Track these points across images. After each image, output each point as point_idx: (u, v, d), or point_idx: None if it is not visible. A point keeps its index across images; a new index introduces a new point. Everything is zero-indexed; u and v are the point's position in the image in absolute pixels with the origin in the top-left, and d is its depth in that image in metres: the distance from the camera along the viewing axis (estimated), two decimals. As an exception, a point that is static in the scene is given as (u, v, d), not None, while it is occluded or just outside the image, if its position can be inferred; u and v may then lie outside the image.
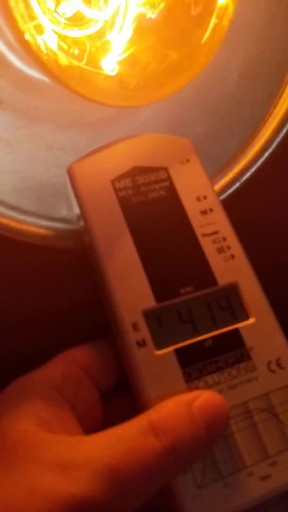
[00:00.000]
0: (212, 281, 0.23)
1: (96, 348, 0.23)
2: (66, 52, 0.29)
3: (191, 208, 0.25)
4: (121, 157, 0.25)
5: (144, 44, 0.30)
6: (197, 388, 0.21)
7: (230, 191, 0.29)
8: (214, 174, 0.29)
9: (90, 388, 0.22)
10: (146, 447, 0.18)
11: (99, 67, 0.30)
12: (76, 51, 0.29)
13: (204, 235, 0.24)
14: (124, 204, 0.24)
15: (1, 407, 0.20)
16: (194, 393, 0.20)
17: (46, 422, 0.20)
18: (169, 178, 0.25)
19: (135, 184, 0.25)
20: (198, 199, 0.25)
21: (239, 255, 0.24)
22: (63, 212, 0.27)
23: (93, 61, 0.29)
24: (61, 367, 0.22)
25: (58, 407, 0.20)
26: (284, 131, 0.29)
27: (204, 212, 0.25)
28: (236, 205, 0.27)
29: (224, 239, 0.24)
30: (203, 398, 0.20)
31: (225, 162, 0.30)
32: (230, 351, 0.22)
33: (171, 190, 0.25)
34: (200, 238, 0.24)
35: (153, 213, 0.24)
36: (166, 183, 0.25)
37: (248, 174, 0.29)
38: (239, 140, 0.30)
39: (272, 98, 0.30)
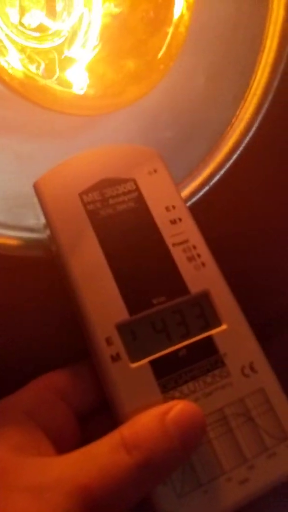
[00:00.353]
0: (184, 289, 0.23)
1: (72, 370, 0.23)
2: (25, 64, 0.29)
3: (161, 218, 0.25)
4: (88, 169, 0.25)
5: (99, 54, 0.30)
6: (173, 398, 0.21)
7: (199, 195, 0.29)
8: (183, 178, 0.29)
9: (65, 412, 0.22)
10: (118, 464, 0.18)
11: (65, 81, 0.30)
12: (38, 64, 0.29)
13: (174, 244, 0.24)
14: (93, 217, 0.24)
15: None
16: (168, 404, 0.20)
17: (17, 447, 0.19)
18: (137, 189, 0.25)
19: (104, 197, 0.25)
20: (167, 209, 0.25)
21: (210, 263, 0.24)
22: (32, 222, 0.27)
23: (51, 72, 0.29)
24: (35, 392, 0.22)
25: (30, 431, 0.20)
26: (250, 134, 0.30)
27: (173, 222, 0.25)
28: (205, 209, 0.27)
29: (194, 247, 0.24)
30: (178, 409, 0.20)
31: (194, 166, 0.30)
32: (204, 359, 0.22)
33: (140, 201, 0.25)
34: (170, 247, 0.24)
35: (123, 225, 0.24)
36: (135, 194, 0.25)
37: (217, 177, 0.29)
38: (208, 144, 0.30)
39: (238, 101, 0.31)
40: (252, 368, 0.22)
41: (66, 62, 0.30)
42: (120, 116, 0.31)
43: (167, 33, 0.31)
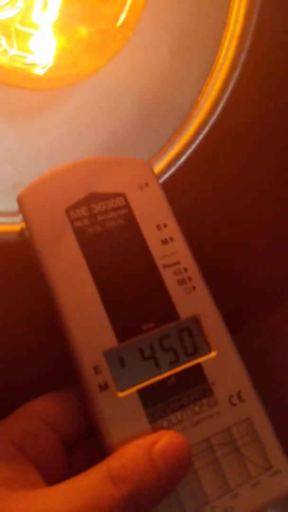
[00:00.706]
0: (174, 314, 0.23)
1: (58, 398, 0.23)
2: None
3: (151, 237, 0.24)
4: (75, 182, 0.24)
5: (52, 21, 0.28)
6: (161, 428, 0.21)
7: (165, 177, 0.28)
8: (148, 159, 0.28)
9: (52, 440, 0.22)
10: (104, 497, 0.18)
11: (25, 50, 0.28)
12: None
13: (165, 266, 0.24)
14: (80, 235, 0.23)
15: None
16: (155, 435, 0.20)
17: (5, 480, 0.19)
18: (127, 205, 0.24)
19: (91, 213, 0.24)
20: (158, 227, 0.24)
21: (200, 287, 0.24)
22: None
23: (10, 45, 0.27)
24: (21, 421, 0.21)
25: (18, 463, 0.20)
26: (217, 111, 0.28)
27: (164, 242, 0.24)
28: (171, 190, 0.26)
29: (185, 270, 0.24)
30: (165, 441, 0.20)
31: (160, 147, 0.29)
32: (193, 387, 0.22)
33: (130, 218, 0.24)
34: (161, 269, 0.23)
35: (112, 244, 0.23)
36: (125, 211, 0.24)
37: (183, 158, 0.28)
38: (173, 123, 0.29)
39: (204, 77, 0.29)
40: (239, 397, 0.22)
41: (24, 33, 0.28)
42: (82, 95, 0.30)
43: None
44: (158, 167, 0.28)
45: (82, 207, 0.23)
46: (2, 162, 0.27)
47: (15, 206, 0.24)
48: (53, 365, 0.24)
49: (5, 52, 0.28)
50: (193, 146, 0.28)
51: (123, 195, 0.24)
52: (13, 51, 0.28)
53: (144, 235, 0.24)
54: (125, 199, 0.24)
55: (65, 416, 0.22)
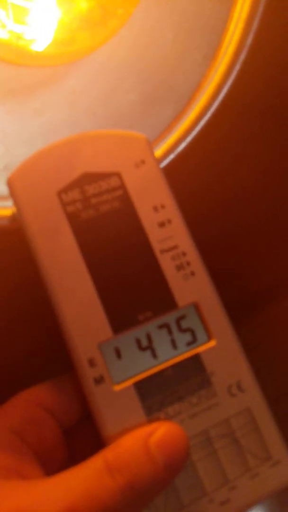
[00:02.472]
0: (172, 302, 0.22)
1: (58, 384, 0.22)
2: None
3: (148, 220, 0.22)
4: (67, 161, 0.22)
5: None
6: (157, 420, 0.21)
7: (165, 163, 0.27)
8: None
9: (53, 428, 0.21)
10: (102, 488, 0.18)
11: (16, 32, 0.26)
12: None
13: (162, 251, 0.22)
14: (73, 220, 0.22)
15: None
16: (152, 426, 0.20)
17: (4, 469, 0.19)
18: (122, 186, 0.23)
19: (85, 196, 0.22)
20: (156, 209, 0.23)
21: (200, 272, 0.22)
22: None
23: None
24: (21, 409, 0.21)
25: (18, 451, 0.20)
26: (220, 97, 0.27)
27: (162, 225, 0.23)
28: (171, 176, 0.25)
29: (184, 254, 0.22)
30: (162, 432, 0.19)
31: (160, 131, 0.28)
32: (191, 378, 0.21)
33: (126, 200, 0.22)
34: (158, 255, 0.22)
35: (106, 229, 0.22)
36: (120, 192, 0.22)
37: (183, 144, 0.27)
38: (174, 108, 0.28)
39: (208, 61, 0.28)
40: (239, 387, 0.22)
41: (22, 9, 0.26)
42: (79, 76, 0.28)
43: None
44: (156, 153, 0.27)
45: (75, 189, 0.22)
46: None
47: (5, 189, 0.22)
48: (46, 353, 0.24)
49: (2, 26, 0.26)
50: (194, 132, 0.27)
51: (118, 174, 0.23)
52: (10, 25, 0.26)
53: (141, 218, 0.22)
54: (120, 179, 0.23)
55: (65, 403, 0.22)
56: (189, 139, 0.27)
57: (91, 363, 0.21)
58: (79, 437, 0.22)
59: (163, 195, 0.23)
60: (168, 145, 0.27)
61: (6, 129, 0.26)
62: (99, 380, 0.20)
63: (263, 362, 0.23)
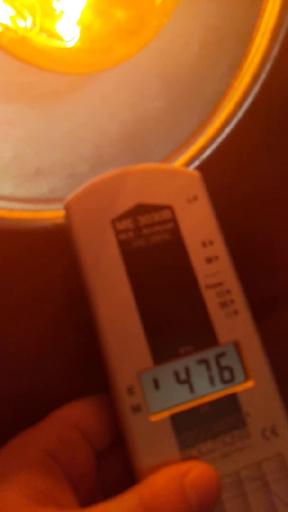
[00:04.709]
0: (213, 339, 0.22)
1: (93, 405, 0.22)
2: (13, 18, 0.26)
3: (196, 255, 0.23)
4: (122, 191, 0.23)
5: (87, 1, 0.27)
6: (190, 456, 0.21)
7: (190, 168, 0.27)
8: (173, 152, 0.28)
9: (87, 450, 0.21)
10: None
11: (53, 35, 0.27)
12: (24, 17, 0.26)
13: (208, 286, 0.23)
14: (125, 249, 0.22)
15: None
16: (186, 465, 0.20)
17: (39, 494, 0.19)
18: (174, 219, 0.23)
19: (137, 226, 0.23)
20: (204, 244, 0.23)
21: (243, 311, 0.23)
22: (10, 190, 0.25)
23: (37, 26, 0.26)
24: (57, 429, 0.21)
25: (53, 476, 0.20)
26: (245, 106, 0.28)
27: (209, 260, 0.23)
28: None
29: (229, 291, 0.23)
30: (196, 473, 0.19)
31: (185, 139, 0.28)
32: (226, 417, 0.21)
33: (176, 233, 0.23)
34: (203, 290, 0.23)
35: (155, 260, 0.22)
36: (171, 225, 0.23)
37: (208, 152, 0.28)
38: (199, 116, 0.29)
39: (233, 70, 0.28)
40: (273, 431, 0.22)
41: (53, 13, 0.27)
42: (108, 84, 0.29)
43: None
44: (181, 160, 0.27)
45: (128, 219, 0.23)
46: (23, 146, 0.27)
47: (35, 192, 0.23)
48: (85, 371, 0.24)
49: (35, 31, 0.27)
50: (219, 139, 0.28)
51: (170, 207, 0.23)
52: (38, 30, 0.27)
53: (189, 252, 0.23)
54: (172, 212, 0.23)
55: (101, 426, 0.22)
56: (214, 146, 0.28)
57: (130, 391, 0.21)
58: (109, 462, 0.23)
59: (213, 231, 0.23)
60: (193, 152, 0.27)
61: (36, 133, 0.27)
62: (136, 409, 0.21)
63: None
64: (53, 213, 0.25)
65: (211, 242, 0.23)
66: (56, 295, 0.27)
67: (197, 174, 0.24)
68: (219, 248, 0.23)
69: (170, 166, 0.24)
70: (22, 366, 0.26)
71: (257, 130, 0.29)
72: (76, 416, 0.22)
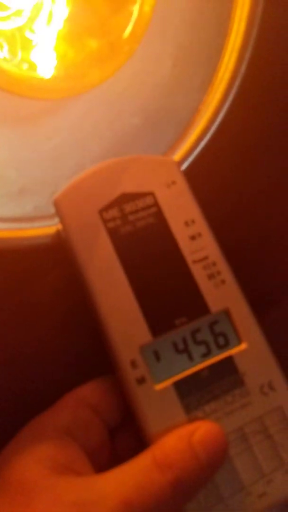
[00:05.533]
0: (205, 309, 0.24)
1: (103, 385, 0.24)
2: None
3: (180, 234, 0.25)
4: (106, 183, 0.25)
5: (60, 33, 0.29)
6: (196, 418, 0.22)
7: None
8: None
9: (100, 427, 0.23)
10: (153, 482, 0.20)
11: (28, 63, 0.29)
12: (1, 46, 0.28)
13: (194, 261, 0.24)
14: (114, 235, 0.24)
15: (16, 453, 0.21)
16: (193, 426, 0.21)
17: (60, 465, 0.21)
18: (156, 204, 0.25)
19: (123, 213, 0.24)
20: (187, 224, 0.25)
21: (229, 280, 0.24)
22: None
23: (14, 54, 0.28)
24: (71, 409, 0.23)
25: (70, 449, 0.21)
26: (218, 120, 0.29)
27: (193, 238, 0.25)
28: None
29: (214, 264, 0.24)
30: (203, 431, 0.21)
31: (161, 154, 0.30)
32: (225, 378, 0.23)
33: (159, 216, 0.25)
34: (190, 265, 0.24)
35: (143, 243, 0.24)
36: (154, 209, 0.25)
37: (185, 165, 0.29)
38: (175, 131, 0.30)
39: (205, 87, 0.30)
40: (270, 387, 0.23)
41: (29, 43, 0.28)
42: (86, 102, 0.30)
43: (131, 12, 0.30)
44: None
45: (114, 208, 0.24)
46: (7, 167, 0.28)
47: (20, 212, 0.25)
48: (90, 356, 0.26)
49: (12, 60, 0.29)
50: (195, 152, 0.29)
51: (152, 193, 0.25)
52: (17, 60, 0.29)
53: (173, 232, 0.25)
54: (154, 197, 0.25)
55: (110, 403, 0.23)
56: (190, 159, 0.29)
57: (133, 364, 0.22)
58: (121, 437, 0.24)
59: (193, 211, 0.25)
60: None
61: (18, 153, 0.29)
62: (141, 381, 0.22)
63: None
64: (38, 231, 0.26)
65: (193, 221, 0.25)
66: (47, 304, 0.28)
67: (173, 160, 0.26)
68: (201, 226, 0.25)
69: (149, 156, 0.26)
70: (21, 372, 0.28)
71: (230, 144, 0.30)
72: (87, 395, 0.23)
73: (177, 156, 0.29)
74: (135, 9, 0.29)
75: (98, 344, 0.23)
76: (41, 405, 0.23)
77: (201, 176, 0.29)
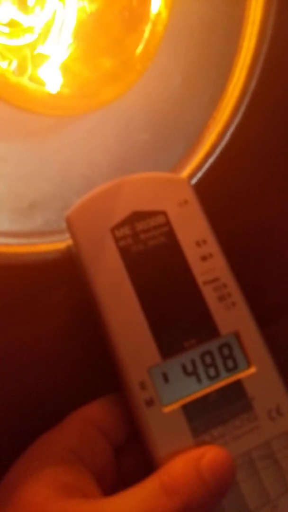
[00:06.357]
0: (214, 331, 0.24)
1: (109, 404, 0.24)
2: None
3: (191, 254, 0.24)
4: (118, 201, 0.25)
5: (75, 52, 0.29)
6: (203, 442, 0.22)
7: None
8: None
9: (105, 446, 0.23)
10: (161, 507, 0.19)
11: (38, 79, 0.29)
12: (10, 61, 0.28)
13: (205, 282, 0.24)
14: (125, 254, 0.24)
15: (22, 474, 0.21)
16: (201, 450, 0.21)
17: (66, 487, 0.20)
18: (168, 223, 0.25)
19: (134, 232, 0.24)
20: (198, 244, 0.25)
21: (239, 302, 0.24)
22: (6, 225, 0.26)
23: (23, 70, 0.28)
24: (77, 428, 0.22)
25: (77, 470, 0.21)
26: (227, 136, 0.29)
27: (204, 258, 0.25)
28: None
29: (225, 285, 0.24)
30: (210, 456, 0.21)
31: (170, 170, 0.30)
32: (233, 402, 0.23)
33: (171, 235, 0.25)
34: (201, 286, 0.24)
35: (154, 262, 0.24)
36: (166, 229, 0.25)
37: (193, 181, 0.29)
38: (183, 147, 0.30)
39: (214, 103, 0.30)
40: (278, 411, 0.23)
41: (39, 59, 0.29)
42: (95, 118, 0.30)
43: (144, 31, 0.30)
44: None
45: (126, 226, 0.24)
46: (16, 181, 0.28)
47: (30, 226, 0.24)
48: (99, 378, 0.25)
49: (23, 75, 0.29)
50: (204, 169, 0.29)
51: (163, 212, 0.25)
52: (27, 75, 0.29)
53: (185, 252, 0.24)
54: (166, 216, 0.25)
55: (116, 422, 0.23)
56: (199, 175, 0.29)
57: (142, 386, 0.22)
58: (126, 456, 0.24)
59: (205, 231, 0.25)
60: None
61: (28, 168, 0.28)
62: (149, 402, 0.22)
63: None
64: (49, 246, 0.26)
65: (204, 241, 0.25)
66: (57, 317, 0.28)
67: (185, 179, 0.26)
68: (212, 246, 0.25)
69: (161, 173, 0.26)
70: (28, 378, 0.28)
71: (239, 160, 0.30)
72: (93, 415, 0.23)
73: (186, 171, 0.29)
74: (147, 29, 0.29)
75: (106, 360, 0.23)
76: (46, 416, 0.23)
77: (209, 191, 0.29)
